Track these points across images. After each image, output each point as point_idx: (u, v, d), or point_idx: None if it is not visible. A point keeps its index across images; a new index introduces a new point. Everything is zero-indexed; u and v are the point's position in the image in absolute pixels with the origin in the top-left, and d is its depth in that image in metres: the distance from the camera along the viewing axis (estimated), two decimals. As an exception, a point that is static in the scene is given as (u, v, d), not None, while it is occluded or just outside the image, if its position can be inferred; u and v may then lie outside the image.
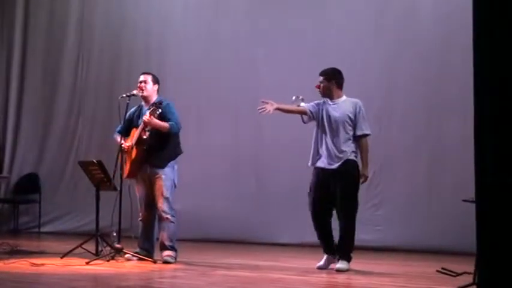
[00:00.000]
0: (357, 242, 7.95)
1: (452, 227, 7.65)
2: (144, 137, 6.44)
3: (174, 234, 6.51)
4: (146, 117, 6.34)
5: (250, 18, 9.34)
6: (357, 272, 6.05)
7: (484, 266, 3.29)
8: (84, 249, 6.67)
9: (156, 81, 6.73)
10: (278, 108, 6.19)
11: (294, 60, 8.72)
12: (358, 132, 6.06)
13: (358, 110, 6.08)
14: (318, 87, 6.17)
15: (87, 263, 6.16)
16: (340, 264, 5.96)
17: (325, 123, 6.10)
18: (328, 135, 6.08)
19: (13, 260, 6.28)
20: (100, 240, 6.66)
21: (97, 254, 6.58)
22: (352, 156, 6.03)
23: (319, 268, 6.07)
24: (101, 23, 10.38)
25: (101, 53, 10.34)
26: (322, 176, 6.08)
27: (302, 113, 6.23)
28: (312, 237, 7.75)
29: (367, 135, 6.11)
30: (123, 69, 9.91)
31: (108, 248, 6.52)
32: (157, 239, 6.62)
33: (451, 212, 7.67)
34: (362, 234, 8.14)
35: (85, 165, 6.94)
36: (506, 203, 3.12)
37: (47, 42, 10.69)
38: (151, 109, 6.37)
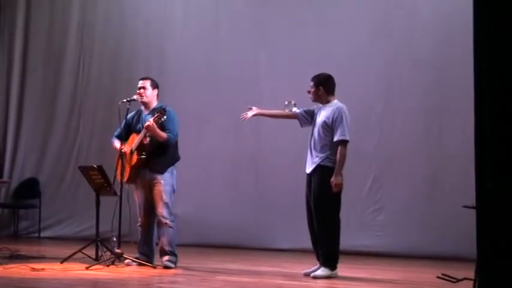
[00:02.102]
0: (357, 248, 8.01)
1: (453, 232, 7.63)
2: (145, 142, 6.44)
3: (173, 239, 6.50)
4: (150, 122, 6.32)
5: (250, 21, 9.33)
6: (358, 278, 6.05)
7: (484, 272, 3.29)
8: (84, 254, 6.67)
9: (155, 85, 6.72)
10: (260, 114, 6.36)
11: (295, 63, 8.71)
12: (334, 138, 5.96)
13: (336, 115, 5.97)
14: (309, 92, 6.21)
15: (87, 268, 6.16)
16: (318, 271, 5.93)
17: (311, 128, 6.16)
18: (311, 140, 6.12)
19: (13, 265, 6.28)
20: (100, 246, 6.66)
21: (97, 259, 6.58)
22: (325, 162, 5.96)
23: (305, 274, 6.04)
24: (101, 26, 10.37)
25: (101, 57, 10.33)
26: (306, 181, 6.14)
27: (289, 117, 6.31)
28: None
29: (343, 141, 5.93)
30: (123, 73, 9.89)
31: (108, 253, 6.52)
32: (157, 244, 6.61)
33: (451, 217, 7.65)
34: (362, 240, 8.19)
35: (85, 170, 6.94)
36: (507, 209, 3.12)
37: (48, 46, 10.67)
38: (156, 116, 6.33)
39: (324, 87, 6.14)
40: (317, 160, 6.01)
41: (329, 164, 5.94)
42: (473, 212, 3.36)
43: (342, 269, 6.07)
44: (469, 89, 3.47)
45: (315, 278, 5.87)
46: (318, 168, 5.99)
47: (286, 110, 6.27)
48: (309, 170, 6.08)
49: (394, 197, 8.31)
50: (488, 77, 3.21)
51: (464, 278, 5.01)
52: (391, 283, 5.77)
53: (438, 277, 5.29)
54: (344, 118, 5.97)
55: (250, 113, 6.35)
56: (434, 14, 8.33)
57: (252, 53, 9.20)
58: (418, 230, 8.05)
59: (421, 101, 8.28)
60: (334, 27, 8.80)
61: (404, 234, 8.11)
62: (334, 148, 5.96)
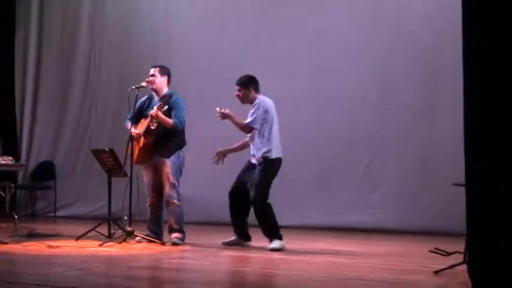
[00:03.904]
0: (353, 224, 8.03)
1: (444, 209, 7.64)
2: (152, 127, 6.44)
3: (181, 217, 6.53)
4: (153, 111, 6.34)
5: (254, 14, 9.27)
6: (354, 252, 6.07)
7: (473, 246, 3.31)
8: (97, 232, 6.70)
9: (164, 72, 6.72)
10: (228, 151, 6.71)
11: (294, 55, 8.70)
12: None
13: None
14: (238, 96, 6.23)
15: (100, 245, 6.20)
16: (271, 244, 6.10)
17: None
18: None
19: (31, 243, 6.32)
20: (112, 224, 6.70)
21: (109, 237, 6.61)
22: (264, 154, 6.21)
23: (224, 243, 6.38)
24: (111, 18, 10.34)
25: (112, 48, 10.32)
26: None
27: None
28: (313, 219, 7.74)
29: (249, 126, 6.19)
30: (132, 63, 9.85)
31: (120, 231, 6.56)
32: (166, 222, 6.64)
33: (442, 195, 7.64)
34: (358, 217, 8.20)
35: (97, 154, 6.96)
36: (493, 187, 3.14)
37: (61, 37, 10.67)
38: (159, 104, 6.36)
39: (253, 86, 6.20)
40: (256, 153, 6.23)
41: (267, 155, 6.18)
42: (463, 190, 3.37)
43: (338, 244, 6.13)
44: (459, 76, 3.47)
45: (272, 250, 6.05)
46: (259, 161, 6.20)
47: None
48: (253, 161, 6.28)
49: (388, 176, 8.32)
50: (477, 66, 3.22)
51: (455, 252, 5.03)
52: (386, 257, 5.79)
53: (430, 251, 5.31)
54: (256, 109, 6.11)
55: (219, 156, 6.68)
56: (428, 5, 8.30)
57: (255, 45, 9.14)
58: (411, 207, 8.06)
59: (415, 85, 8.26)
60: (332, 22, 8.76)
61: (398, 211, 8.12)
62: (265, 140, 6.14)
